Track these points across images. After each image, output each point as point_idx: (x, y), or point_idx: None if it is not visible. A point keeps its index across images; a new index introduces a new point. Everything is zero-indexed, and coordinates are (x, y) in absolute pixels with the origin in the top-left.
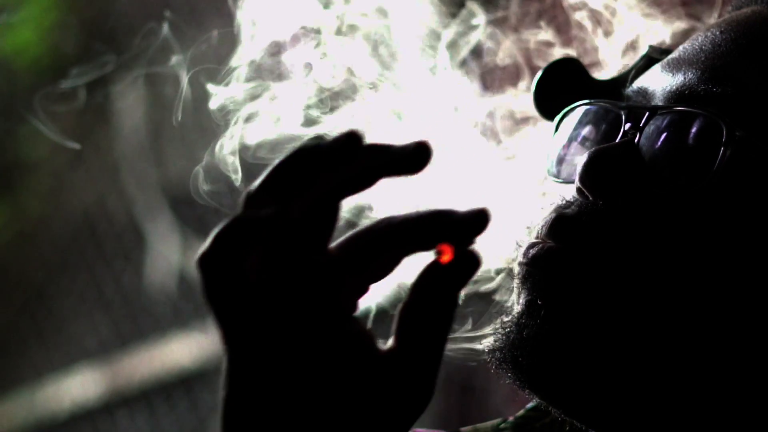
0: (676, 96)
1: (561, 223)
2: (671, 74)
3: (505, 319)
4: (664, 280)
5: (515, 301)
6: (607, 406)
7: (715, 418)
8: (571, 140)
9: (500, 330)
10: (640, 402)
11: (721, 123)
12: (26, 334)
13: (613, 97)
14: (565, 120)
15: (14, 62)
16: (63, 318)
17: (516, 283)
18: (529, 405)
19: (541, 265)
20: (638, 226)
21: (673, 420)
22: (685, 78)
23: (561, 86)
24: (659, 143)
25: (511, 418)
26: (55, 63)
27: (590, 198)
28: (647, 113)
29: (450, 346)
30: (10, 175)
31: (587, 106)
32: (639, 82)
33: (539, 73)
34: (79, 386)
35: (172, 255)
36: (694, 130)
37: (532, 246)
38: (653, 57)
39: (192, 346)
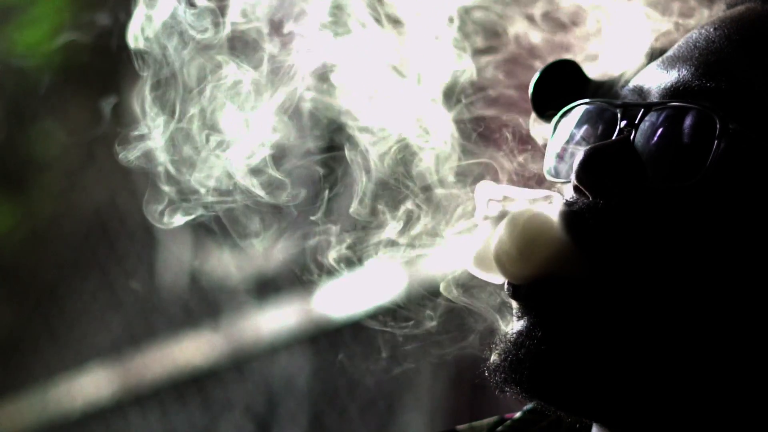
0: (671, 92)
1: (566, 217)
2: (666, 71)
3: (501, 341)
4: (662, 279)
5: (510, 325)
6: (613, 403)
7: (718, 410)
8: (569, 140)
9: (497, 351)
10: (645, 396)
11: (715, 116)
12: (38, 333)
13: (611, 97)
14: (563, 120)
15: (26, 61)
16: (75, 317)
17: (511, 310)
18: (527, 407)
19: (537, 300)
20: (638, 226)
21: (679, 415)
22: (679, 74)
23: (558, 88)
24: (654, 139)
25: (509, 419)
26: (66, 62)
27: (588, 196)
28: (642, 110)
29: (461, 345)
30: (22, 174)
31: (584, 106)
32: (635, 81)
33: (536, 75)
34: (92, 385)
35: (183, 254)
36: (688, 124)
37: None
38: (649, 56)
39: (203, 345)
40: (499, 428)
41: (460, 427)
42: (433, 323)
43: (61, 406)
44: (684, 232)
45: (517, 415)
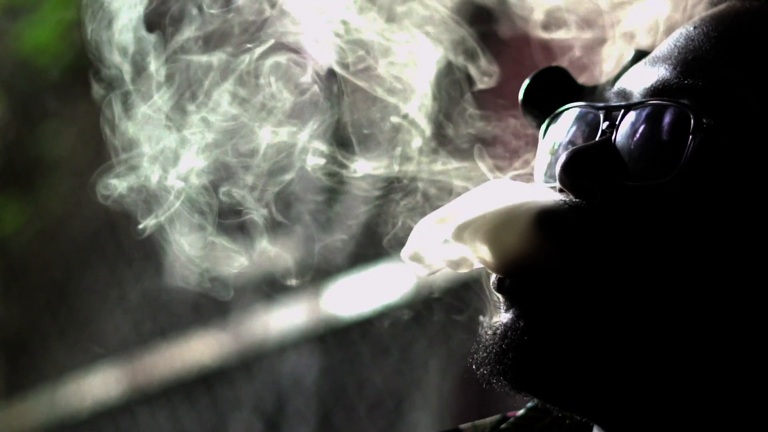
0: (651, 92)
1: (546, 217)
2: (648, 72)
3: (484, 336)
4: (638, 276)
5: (492, 319)
6: (599, 396)
7: (698, 407)
8: (557, 144)
9: (482, 344)
10: (630, 390)
11: (689, 112)
12: (48, 332)
13: (598, 100)
14: (552, 125)
15: (34, 61)
16: (84, 316)
17: (494, 304)
18: (530, 404)
19: (520, 293)
20: (617, 223)
21: (664, 411)
22: (659, 74)
23: (548, 94)
24: (635, 138)
25: (511, 416)
26: (74, 62)
27: (572, 197)
28: (622, 110)
29: (468, 344)
30: (31, 173)
31: (570, 111)
32: (619, 84)
33: (526, 82)
34: (101, 384)
35: (192, 253)
36: (665, 122)
37: (504, 277)
38: (635, 58)
39: (212, 344)
40: (503, 426)
41: (463, 425)
42: (441, 321)
43: (70, 405)
44: (661, 228)
45: (520, 412)
